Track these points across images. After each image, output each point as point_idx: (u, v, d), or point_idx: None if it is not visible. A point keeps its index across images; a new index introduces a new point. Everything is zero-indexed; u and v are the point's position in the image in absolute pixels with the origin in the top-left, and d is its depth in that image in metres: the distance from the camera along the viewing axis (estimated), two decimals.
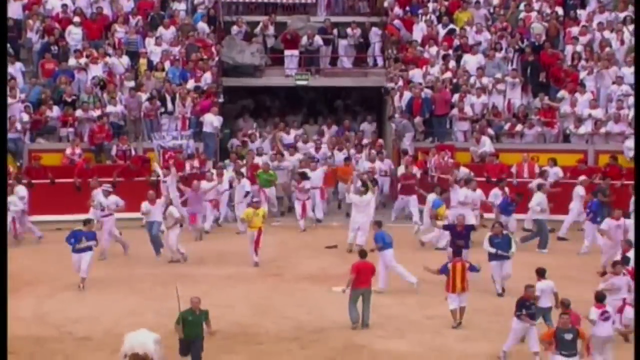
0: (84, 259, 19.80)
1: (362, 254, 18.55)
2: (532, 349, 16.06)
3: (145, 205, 21.83)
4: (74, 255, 19.87)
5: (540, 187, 23.23)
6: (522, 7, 29.12)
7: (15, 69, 26.61)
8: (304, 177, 24.59)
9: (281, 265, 21.89)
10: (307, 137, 27.11)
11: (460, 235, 20.02)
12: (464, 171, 24.70)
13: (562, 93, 26.61)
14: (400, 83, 27.22)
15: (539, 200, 22.80)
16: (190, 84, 26.90)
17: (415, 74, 27.51)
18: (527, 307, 16.14)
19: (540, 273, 17.40)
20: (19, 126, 25.35)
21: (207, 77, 27.29)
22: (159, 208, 21.78)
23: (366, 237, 22.39)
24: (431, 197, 23.00)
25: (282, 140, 26.92)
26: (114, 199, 22.31)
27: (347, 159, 25.75)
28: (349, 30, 29.37)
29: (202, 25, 28.81)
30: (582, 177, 23.93)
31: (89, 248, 19.92)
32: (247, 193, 24.30)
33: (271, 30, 29.38)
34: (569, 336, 14.80)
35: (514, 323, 16.21)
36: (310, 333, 18.00)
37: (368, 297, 18.10)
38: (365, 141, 27.19)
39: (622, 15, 28.42)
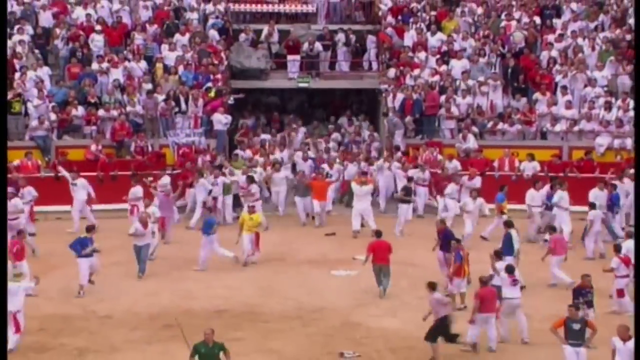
0: (93, 264, 18.69)
1: (378, 233, 19.14)
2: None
3: (138, 227, 19.69)
4: (82, 261, 18.58)
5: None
6: (503, 16, 29.14)
7: (43, 72, 26.65)
8: (251, 181, 23.76)
9: (284, 250, 21.93)
10: (306, 155, 25.82)
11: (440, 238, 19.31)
12: (455, 164, 24.81)
13: (537, 95, 26.67)
14: (394, 84, 27.29)
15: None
16: (209, 85, 26.91)
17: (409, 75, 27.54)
18: (583, 294, 15.90)
19: (498, 255, 17.62)
20: (47, 124, 25.41)
21: (219, 79, 27.31)
22: (149, 233, 19.90)
23: (372, 220, 22.77)
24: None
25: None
26: (14, 202, 21.34)
27: (364, 174, 24.20)
28: (340, 35, 29.39)
29: (213, 33, 28.82)
30: (631, 171, 23.28)
31: (92, 253, 18.69)
32: (210, 191, 23.61)
33: (275, 37, 29.37)
34: (577, 326, 14.52)
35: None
36: (311, 312, 18.08)
37: (386, 272, 18.64)
38: (374, 153, 26.36)
39: (593, 24, 28.52)
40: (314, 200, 23.92)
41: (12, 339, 15.74)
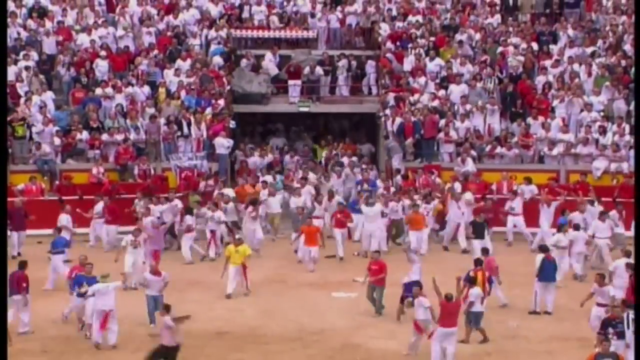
0: (88, 304, 17.42)
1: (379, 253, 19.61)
2: None
3: (147, 275, 18.35)
4: (76, 299, 17.69)
5: None
6: (500, 42, 29.22)
7: (46, 97, 26.71)
8: (187, 212, 22.87)
9: (285, 273, 21.89)
10: (321, 197, 24.24)
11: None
12: (457, 186, 24.71)
13: (529, 120, 26.75)
14: (393, 106, 27.28)
15: None
16: (208, 110, 26.94)
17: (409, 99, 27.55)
18: (613, 325, 15.57)
19: (472, 281, 17.52)
20: (49, 148, 25.34)
21: (220, 103, 27.40)
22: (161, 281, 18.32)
23: (378, 243, 22.65)
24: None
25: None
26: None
27: (416, 206, 23.30)
28: (344, 61, 29.50)
29: (218, 59, 28.90)
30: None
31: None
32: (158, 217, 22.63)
33: (272, 65, 29.34)
34: None
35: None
36: (312, 334, 18.04)
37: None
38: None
39: (589, 50, 28.61)
40: (304, 246, 22.24)
41: (111, 335, 16.81)
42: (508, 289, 19.23)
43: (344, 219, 23.39)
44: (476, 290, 17.30)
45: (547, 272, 18.84)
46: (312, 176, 25.94)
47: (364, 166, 26.67)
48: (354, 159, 27.39)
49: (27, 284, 17.72)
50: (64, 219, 22.37)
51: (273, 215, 24.59)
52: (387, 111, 27.40)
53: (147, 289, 18.25)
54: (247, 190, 24.78)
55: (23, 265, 18.06)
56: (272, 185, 25.21)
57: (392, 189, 24.81)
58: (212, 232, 22.98)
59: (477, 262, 18.33)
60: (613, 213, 22.55)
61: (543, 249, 19.35)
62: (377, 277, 18.76)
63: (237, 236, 21.58)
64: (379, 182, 25.59)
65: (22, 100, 26.28)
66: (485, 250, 19.43)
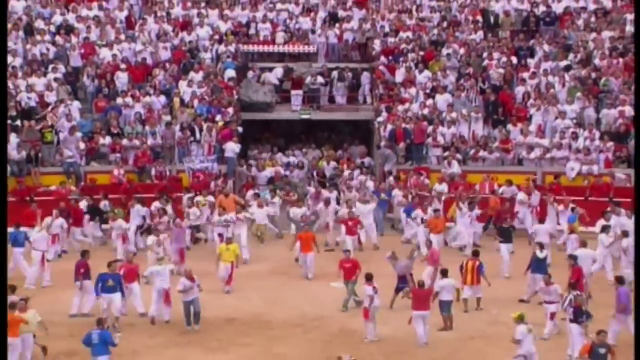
0: (114, 300, 17.53)
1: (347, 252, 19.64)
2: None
3: (184, 282, 17.71)
4: (102, 296, 17.54)
5: None
6: (484, 55, 29.38)
7: (72, 106, 26.85)
8: (164, 212, 22.31)
9: (287, 265, 21.94)
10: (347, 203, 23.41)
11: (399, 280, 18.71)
12: (442, 188, 24.78)
13: (509, 126, 26.86)
14: (385, 116, 27.42)
15: None
16: (219, 117, 27.07)
17: (399, 108, 27.63)
18: (585, 313, 15.80)
19: (443, 273, 17.74)
20: (69, 152, 25.45)
21: (230, 111, 27.55)
22: (196, 286, 17.81)
23: (375, 235, 23.02)
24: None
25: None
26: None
27: (437, 211, 22.78)
28: (334, 72, 29.61)
29: (231, 72, 28.97)
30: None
31: (115, 288, 17.53)
32: (144, 218, 22.85)
33: (272, 76, 29.45)
34: (602, 350, 14.47)
35: (573, 329, 15.80)
36: (312, 320, 18.21)
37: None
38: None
39: (562, 63, 28.79)
40: (301, 253, 21.21)
41: (165, 311, 17.80)
42: (494, 279, 19.34)
43: (355, 226, 22.72)
44: (444, 282, 17.59)
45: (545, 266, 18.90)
46: (324, 191, 25.31)
47: (362, 177, 26.18)
48: (356, 171, 26.72)
49: (84, 270, 18.30)
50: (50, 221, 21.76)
51: (259, 225, 23.28)
52: (380, 119, 27.63)
53: (184, 294, 17.61)
54: (222, 200, 23.51)
55: (85, 254, 18.73)
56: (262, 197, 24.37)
57: (410, 196, 24.34)
58: (220, 235, 22.02)
59: (474, 253, 18.72)
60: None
61: (543, 245, 19.26)
62: (355, 274, 18.73)
63: (226, 235, 21.23)
64: (397, 191, 24.94)
65: (50, 108, 26.49)
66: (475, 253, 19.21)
